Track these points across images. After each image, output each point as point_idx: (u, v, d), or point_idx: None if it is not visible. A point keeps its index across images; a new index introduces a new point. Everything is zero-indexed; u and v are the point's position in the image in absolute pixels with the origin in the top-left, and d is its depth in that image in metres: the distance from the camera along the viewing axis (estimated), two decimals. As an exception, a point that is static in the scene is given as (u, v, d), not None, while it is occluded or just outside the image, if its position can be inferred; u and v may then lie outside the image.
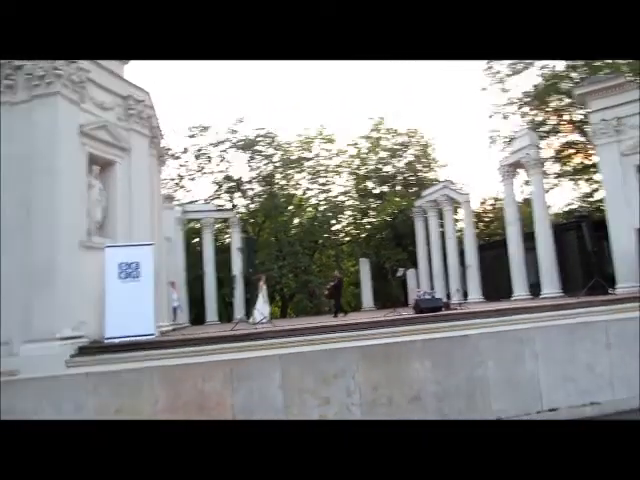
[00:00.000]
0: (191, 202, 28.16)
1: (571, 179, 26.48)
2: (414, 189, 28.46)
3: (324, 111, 54.96)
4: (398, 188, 28.94)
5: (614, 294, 12.85)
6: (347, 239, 32.20)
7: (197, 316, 24.39)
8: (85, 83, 9.34)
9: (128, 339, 8.66)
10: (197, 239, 28.21)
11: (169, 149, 27.15)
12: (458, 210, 24.91)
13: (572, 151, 25.70)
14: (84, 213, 9.33)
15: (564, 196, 27.59)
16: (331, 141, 30.71)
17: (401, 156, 30.45)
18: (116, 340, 8.59)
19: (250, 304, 22.17)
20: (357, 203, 29.75)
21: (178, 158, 28.71)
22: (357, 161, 31.15)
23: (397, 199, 26.71)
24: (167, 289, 17.17)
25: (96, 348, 8.34)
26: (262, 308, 14.88)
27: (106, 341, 8.66)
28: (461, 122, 55.49)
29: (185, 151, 28.61)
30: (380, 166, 30.59)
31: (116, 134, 10.23)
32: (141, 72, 42.27)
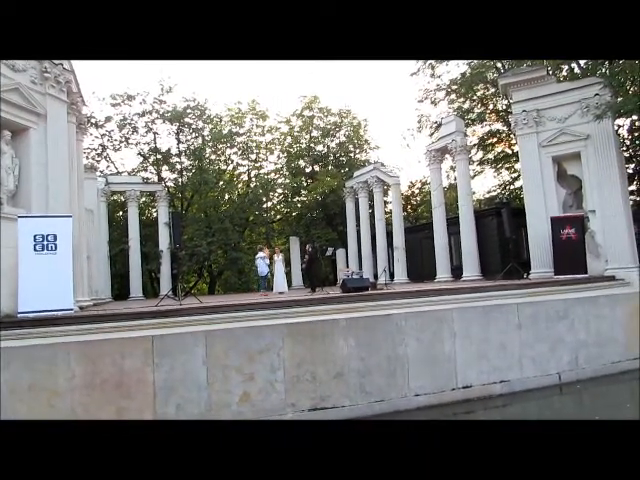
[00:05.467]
0: (115, 174, 26.97)
1: (493, 167, 27.61)
2: (345, 169, 28.69)
3: (257, 86, 54.07)
4: (330, 168, 29.05)
5: (528, 279, 13.61)
6: (278, 217, 32.09)
7: (120, 291, 23.62)
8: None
9: (43, 314, 8.26)
10: (121, 212, 27.17)
11: (91, 117, 25.74)
12: (388, 192, 25.38)
13: (495, 140, 26.75)
14: (-5, 180, 8.75)
15: (486, 183, 28.77)
16: (263, 117, 30.24)
17: (334, 136, 30.54)
18: (30, 315, 8.17)
19: (176, 280, 21.84)
20: (288, 181, 29.60)
21: (101, 127, 27.26)
22: (289, 139, 30.94)
23: (328, 179, 26.75)
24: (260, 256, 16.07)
25: (8, 323, 7.89)
26: (282, 281, 15.92)
27: (19, 315, 8.21)
28: (392, 105, 56.22)
29: (108, 120, 27.16)
30: (312, 145, 30.58)
31: (30, 98, 9.58)
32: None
